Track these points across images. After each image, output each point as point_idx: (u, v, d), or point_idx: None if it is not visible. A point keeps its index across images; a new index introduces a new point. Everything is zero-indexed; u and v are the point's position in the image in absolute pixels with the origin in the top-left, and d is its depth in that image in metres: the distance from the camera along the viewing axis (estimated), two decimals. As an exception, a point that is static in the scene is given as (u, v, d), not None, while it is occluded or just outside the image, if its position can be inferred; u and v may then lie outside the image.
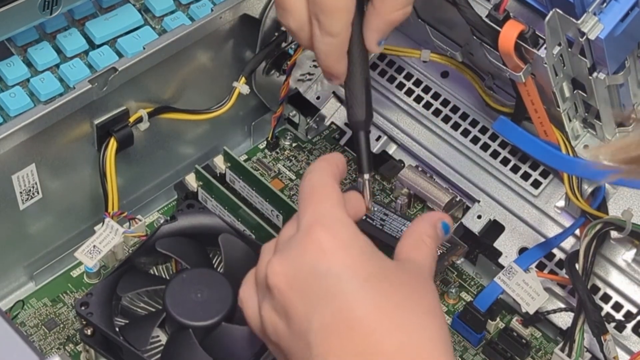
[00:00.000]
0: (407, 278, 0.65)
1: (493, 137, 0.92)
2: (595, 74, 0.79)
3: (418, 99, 0.95)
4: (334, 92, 0.99)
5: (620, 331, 0.84)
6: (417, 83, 0.96)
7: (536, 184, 0.89)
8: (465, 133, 0.93)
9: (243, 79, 0.89)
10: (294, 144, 1.00)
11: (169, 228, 0.81)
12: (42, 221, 0.85)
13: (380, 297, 0.62)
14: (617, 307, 0.84)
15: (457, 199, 0.92)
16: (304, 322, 0.62)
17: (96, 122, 0.83)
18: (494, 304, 0.84)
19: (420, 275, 0.66)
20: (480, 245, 0.90)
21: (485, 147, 0.92)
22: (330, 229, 0.64)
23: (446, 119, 0.94)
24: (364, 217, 0.91)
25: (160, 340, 0.77)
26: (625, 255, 0.85)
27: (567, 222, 0.87)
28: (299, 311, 0.62)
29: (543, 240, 0.87)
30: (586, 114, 0.86)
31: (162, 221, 0.85)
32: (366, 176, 0.75)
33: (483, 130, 0.92)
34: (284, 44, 0.92)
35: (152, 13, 0.98)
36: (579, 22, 0.74)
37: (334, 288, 0.62)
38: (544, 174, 0.89)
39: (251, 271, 0.68)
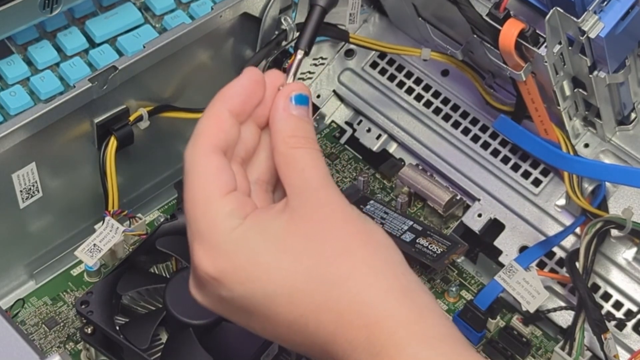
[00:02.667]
0: (300, 225, 0.54)
1: (493, 136, 0.92)
2: (595, 73, 0.79)
3: (418, 98, 0.95)
4: (334, 91, 0.99)
5: (621, 329, 0.84)
6: (418, 81, 0.96)
7: (536, 183, 0.89)
8: (466, 131, 0.93)
9: (243, 77, 0.89)
10: (294, 143, 1.00)
11: (169, 226, 0.81)
12: (42, 220, 0.85)
13: (286, 271, 0.55)
14: (618, 305, 0.84)
15: (458, 198, 0.92)
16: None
17: (96, 120, 0.83)
18: (494, 303, 0.84)
19: (309, 207, 0.54)
20: (481, 244, 0.90)
21: (485, 145, 0.92)
22: (206, 249, 0.57)
23: (446, 118, 0.94)
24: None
25: (160, 339, 0.77)
26: (625, 254, 0.85)
27: (568, 221, 0.87)
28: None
29: (543, 238, 0.87)
30: (586, 113, 0.86)
31: (162, 220, 0.86)
32: (300, 52, 0.67)
33: (483, 129, 0.92)
34: (284, 43, 0.92)
35: (152, 11, 0.98)
36: (579, 20, 0.74)
37: (244, 305, 0.59)
38: (545, 173, 0.89)
39: None
